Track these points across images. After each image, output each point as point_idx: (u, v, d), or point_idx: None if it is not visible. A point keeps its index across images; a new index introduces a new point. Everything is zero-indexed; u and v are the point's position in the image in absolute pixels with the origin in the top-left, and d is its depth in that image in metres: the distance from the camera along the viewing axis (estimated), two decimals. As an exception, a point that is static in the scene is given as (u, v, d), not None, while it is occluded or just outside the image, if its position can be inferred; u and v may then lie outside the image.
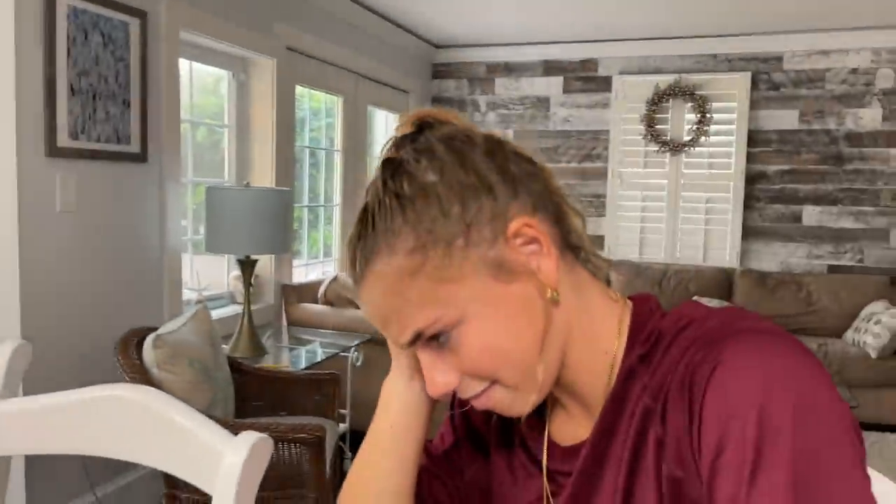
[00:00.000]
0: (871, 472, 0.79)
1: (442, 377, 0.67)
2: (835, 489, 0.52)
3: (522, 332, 0.64)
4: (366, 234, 0.65)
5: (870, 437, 3.83)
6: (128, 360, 2.17)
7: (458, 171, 0.64)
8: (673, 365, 0.63)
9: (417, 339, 0.65)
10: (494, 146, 0.67)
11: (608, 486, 0.66)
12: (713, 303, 4.45)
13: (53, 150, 2.39)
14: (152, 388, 0.95)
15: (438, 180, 0.63)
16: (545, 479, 0.74)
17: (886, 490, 0.77)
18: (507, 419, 0.78)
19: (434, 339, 0.65)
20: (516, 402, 0.68)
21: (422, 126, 0.68)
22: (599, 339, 0.68)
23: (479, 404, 0.68)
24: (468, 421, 0.83)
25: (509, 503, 0.78)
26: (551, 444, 0.74)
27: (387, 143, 0.69)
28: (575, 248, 0.69)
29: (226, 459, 0.84)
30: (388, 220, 0.63)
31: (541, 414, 0.75)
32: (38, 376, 2.40)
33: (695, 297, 4.55)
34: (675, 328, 0.65)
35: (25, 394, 1.02)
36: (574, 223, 0.68)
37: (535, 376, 0.66)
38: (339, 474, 2.76)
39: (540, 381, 0.66)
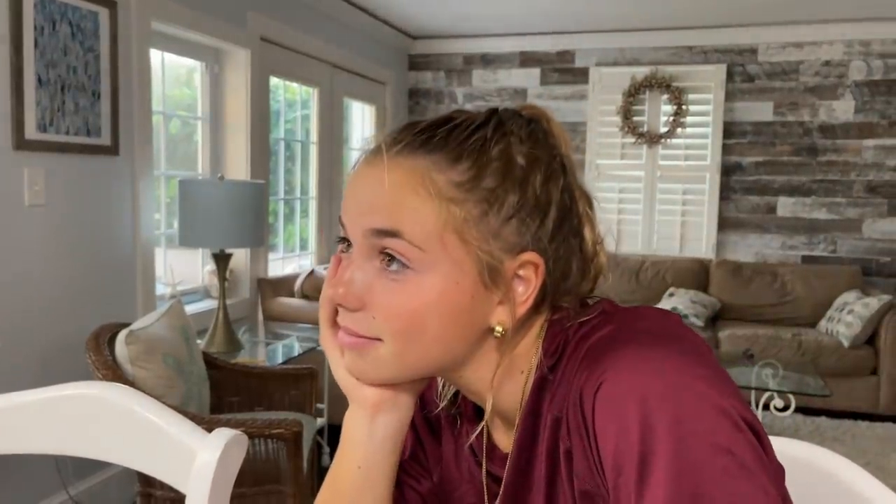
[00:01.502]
0: (840, 457, 0.81)
1: (348, 285, 0.63)
2: (716, 501, 0.51)
3: (449, 328, 0.63)
4: (432, 133, 0.63)
5: (842, 426, 3.90)
6: (100, 356, 2.13)
7: (538, 179, 0.64)
8: (571, 376, 0.62)
9: (381, 237, 0.61)
10: (577, 196, 0.67)
11: (535, 497, 0.66)
12: (689, 294, 4.48)
13: (21, 143, 2.34)
14: (123, 386, 0.93)
15: (522, 166, 0.63)
16: (484, 478, 0.73)
17: (853, 477, 0.80)
18: (455, 411, 0.77)
19: (388, 259, 0.62)
20: (370, 369, 0.66)
21: (534, 120, 0.68)
22: (518, 362, 0.67)
23: (342, 338, 0.65)
24: (423, 410, 0.80)
25: (454, 496, 0.77)
26: (493, 446, 0.73)
27: (502, 106, 0.69)
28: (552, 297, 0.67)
29: (199, 458, 0.83)
30: (465, 146, 0.63)
31: (482, 415, 0.74)
32: (7, 374, 2.36)
33: (671, 289, 4.58)
34: (576, 336, 0.65)
35: (-8, 392, 0.99)
36: (569, 300, 0.67)
37: (410, 369, 0.65)
38: (317, 469, 2.75)
39: (404, 377, 0.66)
